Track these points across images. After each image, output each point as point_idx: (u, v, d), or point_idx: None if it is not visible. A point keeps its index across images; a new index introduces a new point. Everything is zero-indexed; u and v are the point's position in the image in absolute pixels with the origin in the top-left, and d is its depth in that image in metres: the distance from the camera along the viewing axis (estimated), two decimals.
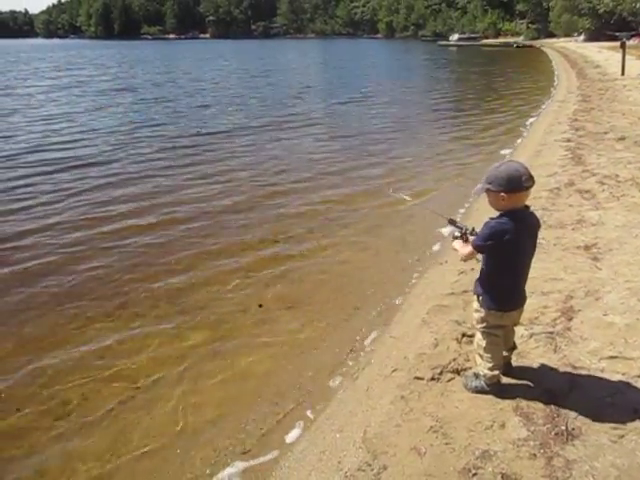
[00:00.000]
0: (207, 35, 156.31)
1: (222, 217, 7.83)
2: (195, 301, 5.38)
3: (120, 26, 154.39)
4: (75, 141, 13.27)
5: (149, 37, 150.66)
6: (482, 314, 3.05)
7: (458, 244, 3.08)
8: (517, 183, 2.70)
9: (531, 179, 2.74)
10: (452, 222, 3.25)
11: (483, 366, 3.17)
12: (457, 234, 3.11)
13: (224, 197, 8.76)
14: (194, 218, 7.78)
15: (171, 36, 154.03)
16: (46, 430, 3.69)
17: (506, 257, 2.86)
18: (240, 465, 3.32)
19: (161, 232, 7.24)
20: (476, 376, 3.30)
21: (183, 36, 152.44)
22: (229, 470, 3.29)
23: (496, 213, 2.87)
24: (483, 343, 3.11)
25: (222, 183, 9.60)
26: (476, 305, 3.09)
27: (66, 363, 4.42)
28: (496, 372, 3.18)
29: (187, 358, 4.44)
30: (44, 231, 7.29)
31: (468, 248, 2.97)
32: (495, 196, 2.78)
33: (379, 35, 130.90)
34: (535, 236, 2.97)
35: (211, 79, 30.61)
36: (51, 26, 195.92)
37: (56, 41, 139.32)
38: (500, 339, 3.12)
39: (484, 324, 3.06)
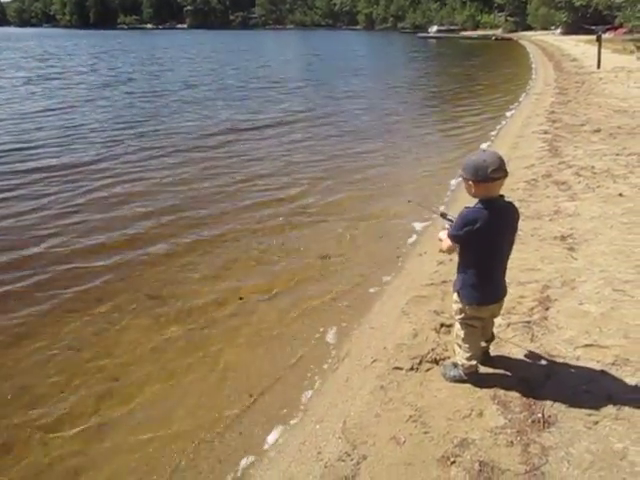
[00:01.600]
0: (185, 25, 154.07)
1: (200, 208, 7.75)
2: (173, 293, 5.33)
3: (96, 15, 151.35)
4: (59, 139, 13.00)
5: (125, 27, 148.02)
6: (460, 306, 3.07)
7: (444, 234, 3.07)
8: (482, 173, 2.70)
9: (501, 170, 2.71)
10: (443, 215, 3.24)
11: (461, 356, 3.19)
12: (447, 226, 3.10)
13: (202, 189, 8.68)
14: (171, 211, 7.70)
15: (148, 26, 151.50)
16: (23, 424, 3.64)
17: (480, 247, 2.85)
18: (220, 456, 3.32)
19: (139, 225, 7.16)
20: (454, 365, 3.33)
21: (160, 26, 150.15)
22: (207, 462, 3.28)
23: (474, 202, 2.89)
24: (461, 334, 3.13)
25: (199, 174, 9.52)
26: (455, 297, 3.11)
27: (41, 356, 4.36)
28: (474, 362, 3.21)
29: (165, 350, 4.41)
30: (18, 223, 7.17)
31: (448, 240, 2.99)
32: (465, 183, 2.85)
33: (358, 27, 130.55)
34: (513, 228, 2.96)
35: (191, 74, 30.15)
36: (24, 14, 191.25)
37: (29, 30, 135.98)
38: (478, 330, 3.14)
39: (462, 315, 3.09)
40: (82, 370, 4.19)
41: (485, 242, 2.84)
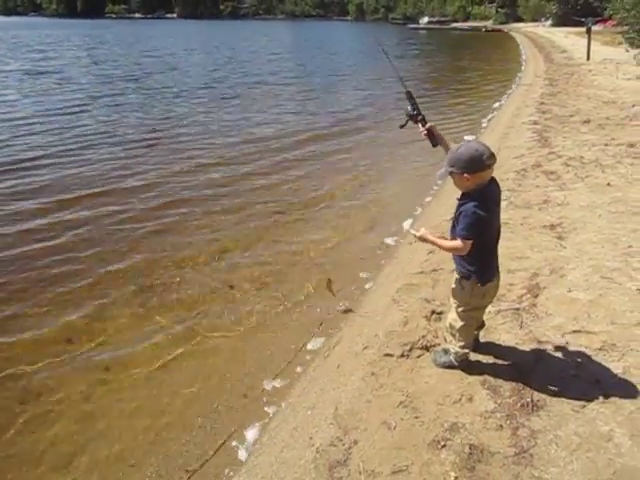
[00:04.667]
0: (174, 15, 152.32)
1: (191, 198, 7.73)
2: (163, 282, 5.32)
3: (83, 4, 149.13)
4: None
5: (113, 16, 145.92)
6: (465, 297, 3.04)
7: (436, 239, 2.99)
8: (479, 163, 2.70)
9: (492, 157, 2.72)
10: (408, 94, 3.26)
11: (455, 344, 3.22)
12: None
13: (193, 178, 8.64)
14: (161, 198, 7.67)
15: (136, 15, 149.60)
16: (13, 415, 3.64)
17: (484, 234, 2.86)
18: (212, 443, 3.34)
19: (129, 213, 7.12)
20: (445, 352, 3.35)
21: (149, 15, 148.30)
22: (200, 449, 3.30)
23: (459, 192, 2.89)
24: (458, 324, 3.13)
25: (189, 166, 9.47)
26: (457, 287, 3.07)
27: (30, 346, 4.35)
28: (467, 350, 3.24)
29: (156, 339, 4.41)
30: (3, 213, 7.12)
31: (453, 243, 2.89)
32: (460, 177, 2.78)
33: (349, 17, 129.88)
34: (499, 202, 2.98)
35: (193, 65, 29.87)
36: (9, 3, 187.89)
37: (16, 19, 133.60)
38: (475, 321, 3.18)
39: (465, 307, 3.07)
40: (71, 359, 4.18)
41: (488, 227, 2.86)
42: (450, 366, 3.31)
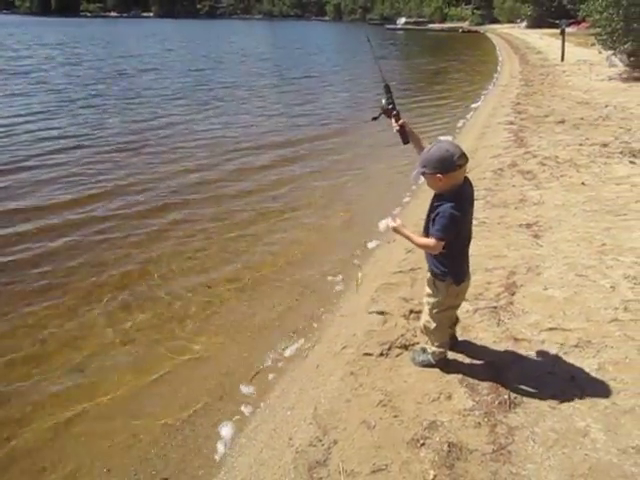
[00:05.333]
0: (150, 14, 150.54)
1: (169, 198, 7.65)
2: (140, 282, 5.26)
3: (57, 2, 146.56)
4: None
5: (88, 14, 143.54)
6: (439, 298, 3.04)
7: (410, 233, 2.96)
8: (450, 163, 2.69)
9: (464, 156, 2.72)
10: (386, 88, 3.21)
11: (431, 344, 3.23)
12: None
13: (170, 180, 8.54)
14: (139, 199, 7.58)
15: (112, 14, 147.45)
16: None
17: (458, 233, 2.87)
18: (191, 445, 3.30)
19: (107, 213, 7.02)
20: (423, 351, 3.37)
21: (125, 14, 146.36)
22: (178, 452, 3.26)
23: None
24: (432, 325, 3.13)
25: (167, 171, 9.37)
26: (431, 289, 3.07)
27: (4, 349, 4.26)
28: (443, 349, 3.26)
29: (132, 340, 4.35)
30: None
31: (426, 240, 2.88)
32: (432, 178, 2.76)
33: (326, 17, 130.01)
34: (473, 202, 2.98)
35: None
36: None
37: None
38: (448, 320, 3.19)
39: (440, 308, 3.08)
40: (47, 362, 4.11)
41: (462, 227, 2.87)
42: (428, 365, 3.33)
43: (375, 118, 3.25)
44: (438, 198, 2.86)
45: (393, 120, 3.15)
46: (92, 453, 3.29)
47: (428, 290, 3.11)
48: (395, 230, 2.96)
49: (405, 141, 3.17)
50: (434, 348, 3.24)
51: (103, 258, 5.81)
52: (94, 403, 3.69)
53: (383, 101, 3.17)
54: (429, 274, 3.10)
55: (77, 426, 3.50)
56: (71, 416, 3.58)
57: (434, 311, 3.10)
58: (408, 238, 2.96)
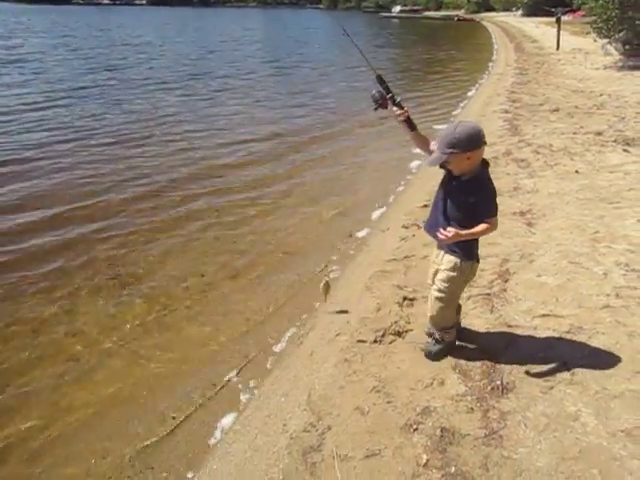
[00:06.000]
0: (143, 1, 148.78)
1: (162, 191, 7.59)
2: (134, 272, 5.26)
3: None
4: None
5: (81, 2, 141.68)
6: (463, 279, 3.04)
7: (468, 231, 2.84)
8: (479, 139, 2.71)
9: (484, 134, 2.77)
10: (379, 78, 3.11)
11: (444, 330, 3.24)
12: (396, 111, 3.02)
13: (164, 173, 8.46)
14: (132, 192, 7.53)
15: (105, 2, 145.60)
16: None
17: None
18: (186, 433, 3.32)
19: (100, 206, 7.00)
20: (437, 341, 3.34)
21: (118, 2, 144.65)
22: (173, 441, 3.28)
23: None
24: (448, 309, 3.14)
25: (158, 157, 9.33)
26: (454, 272, 3.00)
27: None
28: (455, 330, 3.30)
29: (126, 330, 4.35)
30: None
31: (484, 225, 2.82)
32: (460, 158, 2.74)
33: (321, 5, 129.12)
34: None
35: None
36: None
37: None
38: (457, 301, 3.23)
39: (460, 289, 3.12)
40: (41, 352, 4.11)
41: None
42: (444, 352, 3.32)
43: (376, 109, 3.12)
44: (461, 180, 2.86)
45: (396, 108, 3.03)
46: (84, 442, 3.29)
47: (449, 274, 3.01)
48: (455, 237, 2.83)
49: (412, 128, 3.07)
50: (448, 336, 3.27)
51: (97, 251, 5.79)
52: (88, 389, 3.70)
53: (374, 92, 3.05)
54: (450, 259, 3.01)
55: (72, 413, 3.50)
56: (66, 402, 3.59)
57: (456, 293, 3.12)
58: (471, 234, 2.87)
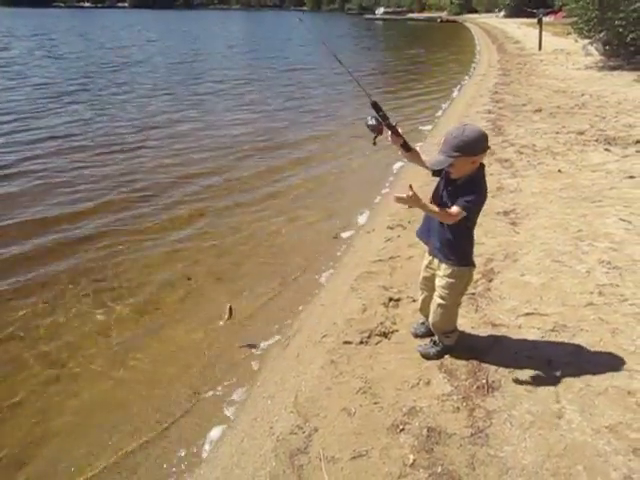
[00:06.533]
0: (125, 4, 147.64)
1: (146, 196, 7.54)
2: (119, 274, 5.21)
3: None
4: None
5: (62, 5, 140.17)
6: (463, 284, 3.03)
7: (427, 203, 2.81)
8: (485, 142, 2.70)
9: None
10: (375, 105, 2.90)
11: (447, 335, 3.24)
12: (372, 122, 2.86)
13: (147, 176, 8.40)
14: (116, 197, 7.46)
15: (86, 4, 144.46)
16: None
17: (477, 216, 2.90)
18: (173, 435, 3.30)
19: (84, 212, 6.93)
20: (434, 343, 3.35)
21: (100, 5, 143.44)
22: (159, 446, 3.25)
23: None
24: (452, 316, 3.17)
25: (145, 162, 9.26)
26: (452, 278, 2.98)
27: None
28: (455, 335, 3.29)
29: (112, 334, 4.31)
30: None
31: (445, 210, 2.78)
32: (465, 162, 2.70)
33: (305, 8, 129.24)
34: None
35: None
36: None
37: None
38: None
39: (462, 294, 3.12)
40: (25, 358, 4.05)
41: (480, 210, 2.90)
42: (443, 352, 3.31)
43: (375, 137, 2.93)
44: (457, 183, 2.83)
45: (391, 134, 2.90)
46: (70, 448, 3.26)
47: (449, 281, 2.99)
48: (409, 200, 2.74)
49: (408, 150, 2.96)
50: (448, 338, 3.26)
51: (82, 256, 5.73)
52: (72, 397, 3.66)
53: (369, 121, 2.88)
54: (447, 267, 2.98)
55: (56, 419, 3.46)
56: (49, 407, 3.55)
57: (458, 298, 3.12)
58: (425, 207, 2.80)
